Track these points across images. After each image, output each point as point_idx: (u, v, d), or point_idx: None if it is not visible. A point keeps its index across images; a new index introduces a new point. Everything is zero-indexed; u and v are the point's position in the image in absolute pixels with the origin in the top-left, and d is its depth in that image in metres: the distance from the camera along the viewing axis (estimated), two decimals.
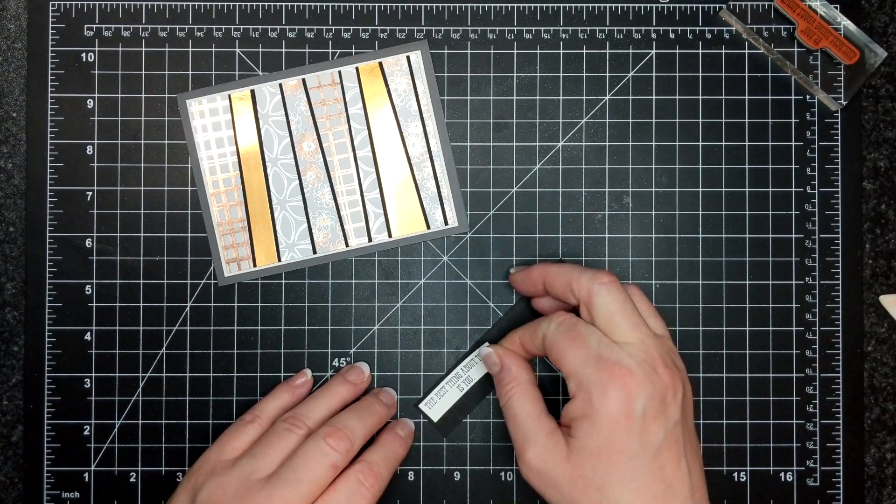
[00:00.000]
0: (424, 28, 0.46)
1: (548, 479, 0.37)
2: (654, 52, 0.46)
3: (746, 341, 0.45)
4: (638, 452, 0.35)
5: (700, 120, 0.46)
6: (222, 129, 0.45)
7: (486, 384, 0.45)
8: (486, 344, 0.42)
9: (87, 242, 0.45)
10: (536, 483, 0.37)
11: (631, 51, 0.46)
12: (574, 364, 0.37)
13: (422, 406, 0.45)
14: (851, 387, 0.45)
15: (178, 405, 0.45)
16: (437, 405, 0.44)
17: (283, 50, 0.46)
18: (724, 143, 0.45)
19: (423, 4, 0.46)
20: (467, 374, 0.44)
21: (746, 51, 0.46)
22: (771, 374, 0.45)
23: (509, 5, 0.46)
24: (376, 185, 0.45)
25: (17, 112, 0.46)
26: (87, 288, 0.45)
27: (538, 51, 0.46)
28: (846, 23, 0.45)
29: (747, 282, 0.45)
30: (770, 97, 0.46)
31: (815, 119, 0.46)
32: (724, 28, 0.46)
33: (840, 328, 0.45)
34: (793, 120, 0.46)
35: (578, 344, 0.37)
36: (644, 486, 0.35)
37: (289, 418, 0.40)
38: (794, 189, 0.45)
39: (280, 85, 0.45)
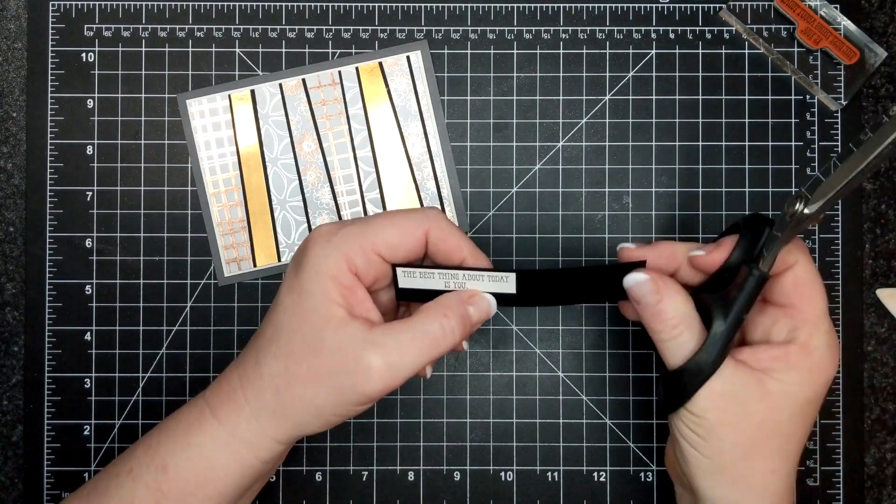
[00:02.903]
0: (424, 28, 0.46)
1: (734, 416, 0.34)
2: (654, 52, 0.46)
3: None
4: (818, 409, 0.36)
5: (700, 120, 0.46)
6: (222, 129, 0.45)
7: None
8: (633, 248, 0.37)
9: (87, 242, 0.45)
10: (714, 417, 0.34)
11: (631, 51, 0.46)
12: (815, 313, 0.35)
13: (399, 270, 0.36)
14: (851, 387, 0.45)
15: (178, 405, 0.45)
16: (413, 279, 0.36)
17: (283, 50, 0.46)
18: (723, 143, 0.45)
19: (423, 4, 0.46)
20: (463, 282, 0.36)
21: (746, 51, 0.46)
22: None
23: (509, 5, 0.46)
24: (376, 185, 0.45)
25: (17, 112, 0.46)
26: (87, 288, 0.45)
27: (538, 51, 0.46)
28: (846, 23, 0.45)
29: None
30: (770, 97, 0.46)
31: (815, 119, 0.46)
32: (724, 28, 0.46)
33: (840, 328, 0.45)
34: (793, 120, 0.46)
35: (821, 294, 0.35)
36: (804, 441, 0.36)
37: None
38: (793, 189, 0.45)
39: (280, 85, 0.46)
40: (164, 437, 0.36)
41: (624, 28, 0.46)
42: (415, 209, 0.36)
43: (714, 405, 0.34)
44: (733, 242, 0.35)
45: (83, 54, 0.45)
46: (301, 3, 0.46)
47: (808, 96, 0.46)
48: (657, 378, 0.45)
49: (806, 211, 0.33)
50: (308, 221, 0.45)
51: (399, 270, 0.35)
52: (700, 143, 0.46)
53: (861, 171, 0.32)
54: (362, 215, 0.45)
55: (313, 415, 0.34)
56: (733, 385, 0.34)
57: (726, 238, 0.36)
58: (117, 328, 0.45)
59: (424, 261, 0.37)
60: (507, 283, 0.36)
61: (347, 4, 0.46)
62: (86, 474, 0.45)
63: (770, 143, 0.45)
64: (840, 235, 0.45)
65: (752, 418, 0.34)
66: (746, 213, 0.45)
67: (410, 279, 0.36)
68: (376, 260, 0.34)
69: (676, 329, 0.34)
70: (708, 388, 0.34)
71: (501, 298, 0.36)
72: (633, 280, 0.35)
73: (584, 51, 0.46)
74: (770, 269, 0.34)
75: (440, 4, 0.46)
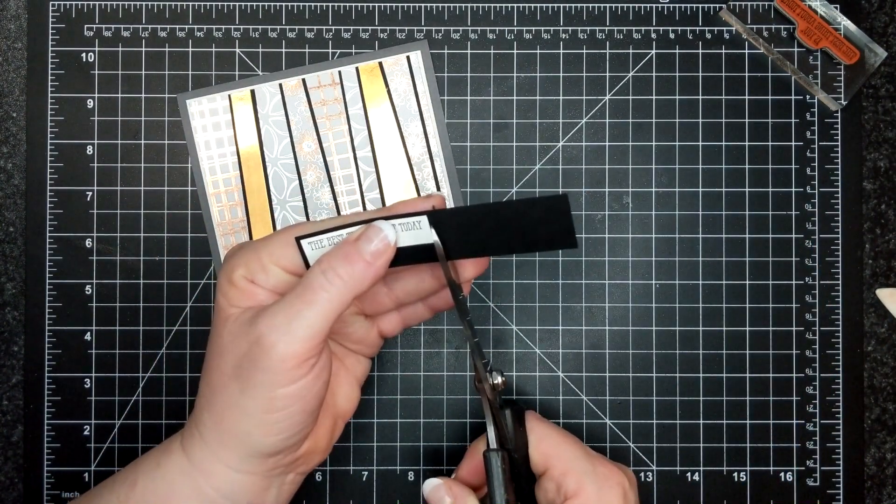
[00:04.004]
0: (424, 28, 0.46)
1: None
2: (654, 52, 0.46)
3: (746, 341, 0.45)
4: None
5: (700, 120, 0.46)
6: (222, 129, 0.45)
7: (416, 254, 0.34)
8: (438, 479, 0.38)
9: (87, 242, 0.45)
10: None
11: (631, 51, 0.46)
12: (566, 464, 0.36)
13: (304, 242, 0.34)
14: (851, 387, 0.45)
15: (178, 405, 0.45)
16: (323, 250, 0.34)
17: (283, 50, 0.46)
18: (724, 143, 0.45)
19: (423, 4, 0.46)
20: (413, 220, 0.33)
21: (746, 51, 0.46)
22: (771, 374, 0.45)
23: (509, 5, 0.46)
24: (376, 185, 0.45)
25: (17, 112, 0.46)
26: (87, 288, 0.45)
27: (538, 51, 0.46)
28: (846, 23, 0.45)
29: (747, 282, 0.45)
30: (770, 97, 0.46)
31: (815, 119, 0.46)
32: (724, 28, 0.46)
33: (840, 328, 0.45)
34: (793, 120, 0.46)
35: (562, 444, 0.36)
36: None
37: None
38: (794, 189, 0.45)
39: (280, 85, 0.45)
40: (144, 457, 0.36)
41: (624, 28, 0.46)
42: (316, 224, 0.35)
43: None
44: (473, 449, 0.38)
45: (83, 54, 0.45)
46: (301, 3, 0.46)
47: (808, 96, 0.46)
48: (656, 380, 0.45)
49: (478, 385, 0.35)
50: (308, 221, 0.45)
51: (304, 243, 0.33)
52: (700, 143, 0.46)
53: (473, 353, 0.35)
54: None
55: (243, 419, 0.32)
56: None
57: (468, 449, 0.38)
58: (117, 328, 0.45)
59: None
60: (422, 228, 0.32)
61: (347, 4, 0.46)
62: (85, 474, 0.45)
63: (770, 143, 0.45)
64: (840, 235, 0.45)
65: None
66: (746, 213, 0.45)
67: (320, 250, 0.33)
68: (277, 272, 0.33)
69: None
70: None
71: (423, 252, 0.33)
72: (430, 485, 0.37)
73: (584, 51, 0.46)
74: (499, 443, 0.35)
75: (440, 4, 0.46)
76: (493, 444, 0.35)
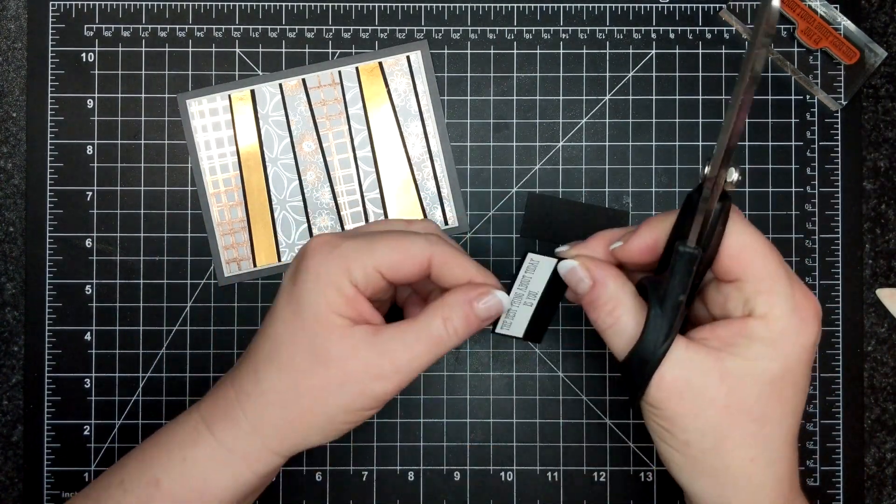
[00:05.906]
0: (424, 28, 0.46)
1: (693, 403, 0.31)
2: (654, 52, 0.46)
3: None
4: (804, 386, 0.32)
5: (700, 120, 0.46)
6: (222, 129, 0.45)
7: (557, 286, 0.36)
8: (567, 250, 0.35)
9: (87, 242, 0.45)
10: (671, 407, 0.31)
11: (631, 51, 0.46)
12: (764, 281, 0.31)
13: (499, 330, 0.36)
14: (851, 387, 0.45)
15: (178, 405, 0.45)
16: (514, 325, 0.37)
17: (283, 50, 0.46)
18: None
19: (423, 4, 0.46)
20: (528, 290, 0.36)
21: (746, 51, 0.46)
22: None
23: (509, 5, 0.46)
24: (376, 185, 0.45)
25: (17, 112, 0.46)
26: (87, 288, 0.45)
27: (538, 51, 0.46)
28: (846, 23, 0.45)
29: None
30: (770, 97, 0.46)
31: (815, 119, 0.46)
32: (724, 28, 0.46)
33: (840, 328, 0.45)
34: (793, 120, 0.46)
35: (766, 257, 0.31)
36: (796, 423, 0.32)
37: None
38: (794, 189, 0.45)
39: (280, 85, 0.46)
40: (158, 452, 0.35)
41: (624, 28, 0.46)
42: (416, 235, 0.34)
43: (668, 395, 0.31)
44: (652, 226, 0.33)
45: (83, 54, 0.45)
46: (301, 3, 0.46)
47: (808, 96, 0.46)
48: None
49: (707, 172, 0.30)
50: (308, 221, 0.45)
51: None
52: (700, 144, 0.46)
53: (732, 113, 0.29)
54: (362, 215, 0.45)
55: (322, 425, 0.34)
56: (685, 369, 0.31)
57: (645, 222, 0.34)
58: (117, 328, 0.45)
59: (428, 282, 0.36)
60: (534, 274, 0.35)
61: (347, 4, 0.46)
62: (86, 474, 0.45)
63: (770, 143, 0.45)
64: (840, 235, 0.45)
65: (714, 403, 0.31)
66: (746, 213, 0.45)
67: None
68: (376, 277, 0.33)
69: (612, 316, 0.33)
70: (658, 376, 0.31)
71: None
72: (564, 268, 0.34)
73: (584, 51, 0.46)
74: (701, 243, 0.31)
75: (440, 4, 0.46)
76: (693, 243, 0.31)
